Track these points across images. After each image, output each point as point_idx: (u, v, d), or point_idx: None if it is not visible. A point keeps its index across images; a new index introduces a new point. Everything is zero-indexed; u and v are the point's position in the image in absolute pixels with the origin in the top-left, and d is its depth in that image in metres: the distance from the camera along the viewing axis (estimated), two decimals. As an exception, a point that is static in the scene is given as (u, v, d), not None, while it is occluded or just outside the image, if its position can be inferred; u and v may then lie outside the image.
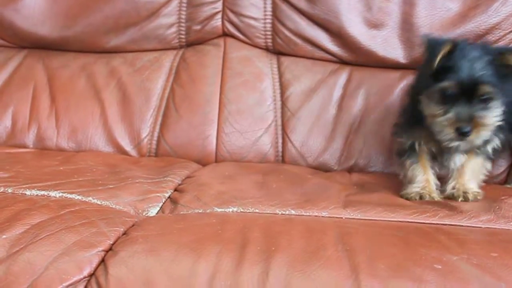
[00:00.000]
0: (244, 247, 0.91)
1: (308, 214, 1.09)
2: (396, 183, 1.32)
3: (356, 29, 1.55)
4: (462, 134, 1.14)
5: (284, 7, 1.58)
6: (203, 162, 1.52)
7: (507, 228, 1.06)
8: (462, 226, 1.06)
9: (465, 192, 1.21)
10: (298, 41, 1.59)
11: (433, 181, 1.25)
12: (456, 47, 1.16)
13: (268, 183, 1.28)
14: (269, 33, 1.60)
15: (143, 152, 1.57)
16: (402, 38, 1.54)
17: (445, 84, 1.14)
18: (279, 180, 1.31)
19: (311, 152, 1.52)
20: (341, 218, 1.08)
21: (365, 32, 1.55)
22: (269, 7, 1.60)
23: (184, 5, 1.63)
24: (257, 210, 1.11)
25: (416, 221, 1.07)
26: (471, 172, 1.24)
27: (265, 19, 1.60)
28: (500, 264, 0.89)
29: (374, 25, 1.55)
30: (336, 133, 1.53)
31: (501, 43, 1.48)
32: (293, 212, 1.10)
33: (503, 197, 1.21)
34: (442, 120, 1.16)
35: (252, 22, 1.61)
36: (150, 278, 0.87)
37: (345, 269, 0.86)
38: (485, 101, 1.15)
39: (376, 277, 0.85)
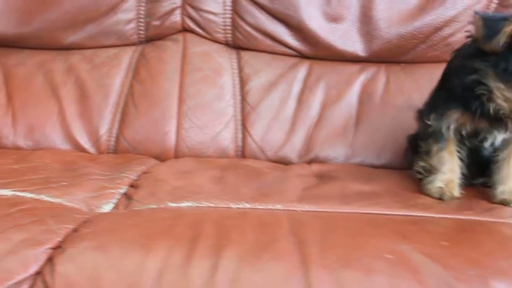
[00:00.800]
0: (195, 241, 0.90)
1: (262, 207, 1.09)
2: (356, 174, 1.32)
3: (316, 23, 1.55)
4: None
5: (244, 2, 1.57)
6: (162, 158, 1.50)
7: (470, 218, 1.06)
8: (416, 216, 1.06)
9: None
10: (258, 35, 1.58)
11: (458, 172, 1.21)
12: None
13: (225, 178, 1.27)
14: (228, 28, 1.59)
15: (102, 149, 1.55)
16: (361, 32, 1.54)
17: None
18: (237, 175, 1.30)
19: (271, 146, 1.52)
20: (296, 210, 1.07)
21: (324, 26, 1.55)
22: (228, 2, 1.59)
23: (143, 0, 1.61)
24: (211, 205, 1.09)
25: (370, 212, 1.07)
26: None
27: (224, 14, 1.59)
28: (450, 253, 0.89)
29: (333, 18, 1.55)
30: (296, 127, 1.52)
31: (458, 36, 1.48)
32: (247, 205, 1.09)
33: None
34: None
35: (211, 17, 1.59)
36: (97, 275, 0.86)
37: (295, 261, 0.86)
38: None
39: (326, 268, 0.85)
